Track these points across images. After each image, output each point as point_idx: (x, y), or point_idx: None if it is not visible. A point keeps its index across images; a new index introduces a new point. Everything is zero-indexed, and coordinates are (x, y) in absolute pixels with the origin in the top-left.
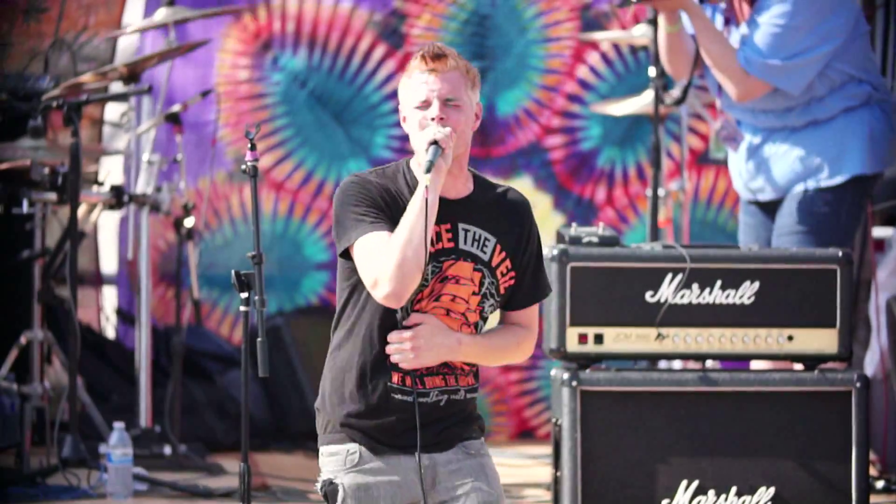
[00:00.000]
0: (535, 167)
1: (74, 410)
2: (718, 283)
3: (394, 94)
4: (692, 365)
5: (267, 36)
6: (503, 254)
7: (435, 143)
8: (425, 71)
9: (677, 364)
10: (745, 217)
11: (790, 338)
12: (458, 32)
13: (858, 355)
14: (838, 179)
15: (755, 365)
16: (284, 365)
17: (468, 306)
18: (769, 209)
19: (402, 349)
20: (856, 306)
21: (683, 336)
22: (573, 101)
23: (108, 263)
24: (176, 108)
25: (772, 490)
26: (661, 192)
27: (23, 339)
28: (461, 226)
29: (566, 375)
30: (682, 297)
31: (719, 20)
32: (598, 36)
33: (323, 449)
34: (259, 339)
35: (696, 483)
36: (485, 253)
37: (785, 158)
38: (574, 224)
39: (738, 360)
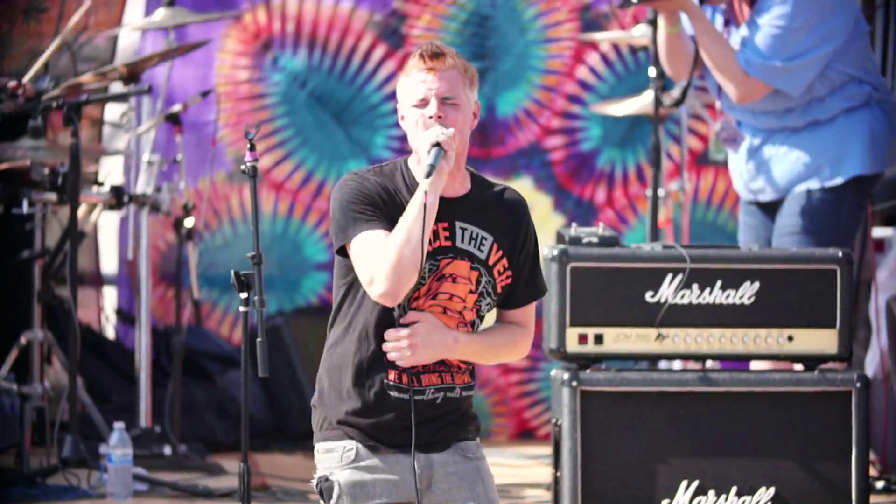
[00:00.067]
0: (535, 168)
1: (74, 410)
2: (718, 283)
3: (394, 95)
4: (692, 365)
5: (267, 36)
6: (500, 253)
7: (437, 145)
8: (423, 69)
9: (677, 364)
10: (746, 217)
11: (790, 338)
12: (458, 33)
13: (858, 355)
14: (839, 180)
15: (755, 365)
16: (284, 365)
17: (465, 305)
18: (769, 209)
19: (399, 347)
20: (856, 306)
21: (683, 336)
22: (573, 101)
23: (108, 263)
24: (176, 108)
25: (772, 490)
26: (660, 192)
27: (23, 339)
28: (459, 224)
29: (566, 376)
30: (682, 297)
31: (719, 21)
32: (597, 36)
33: (319, 446)
34: (259, 339)
35: (696, 483)
36: (482, 252)
37: (785, 159)
38: (574, 224)
39: (738, 361)
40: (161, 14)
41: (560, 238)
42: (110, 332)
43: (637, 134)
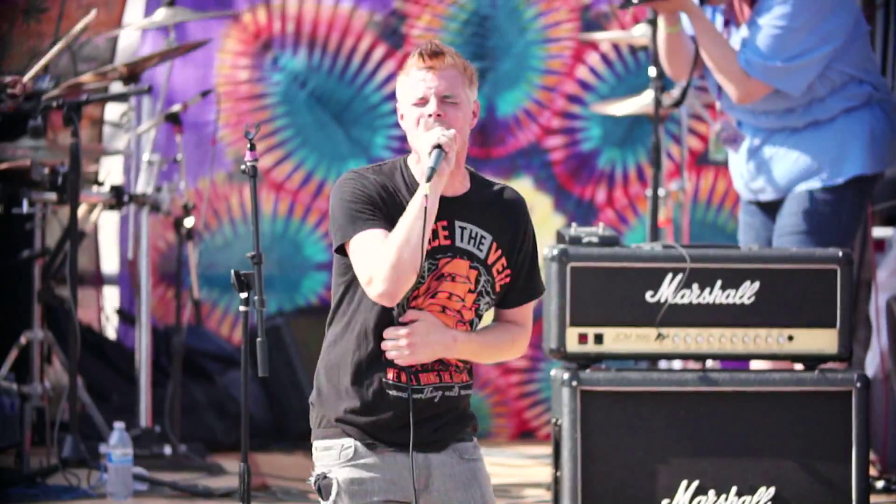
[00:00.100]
0: (536, 168)
1: (74, 410)
2: (718, 283)
3: (394, 95)
4: (692, 365)
5: (267, 36)
6: (499, 252)
7: (438, 147)
8: (423, 68)
9: (677, 364)
10: (746, 217)
11: (790, 338)
12: (458, 33)
13: (858, 355)
14: (839, 180)
15: (755, 365)
16: (284, 365)
17: (464, 304)
18: (770, 209)
19: (397, 346)
20: (856, 306)
21: (683, 336)
22: (573, 101)
23: (109, 263)
24: (176, 108)
25: (772, 490)
26: (660, 192)
27: (23, 339)
28: (458, 223)
29: (566, 375)
30: (682, 297)
31: (719, 20)
32: (597, 36)
33: (317, 443)
34: (259, 339)
35: (696, 483)
36: (481, 251)
37: (786, 159)
38: (574, 224)
39: (738, 360)
40: (161, 14)
41: (560, 238)
42: (110, 332)
43: (637, 134)
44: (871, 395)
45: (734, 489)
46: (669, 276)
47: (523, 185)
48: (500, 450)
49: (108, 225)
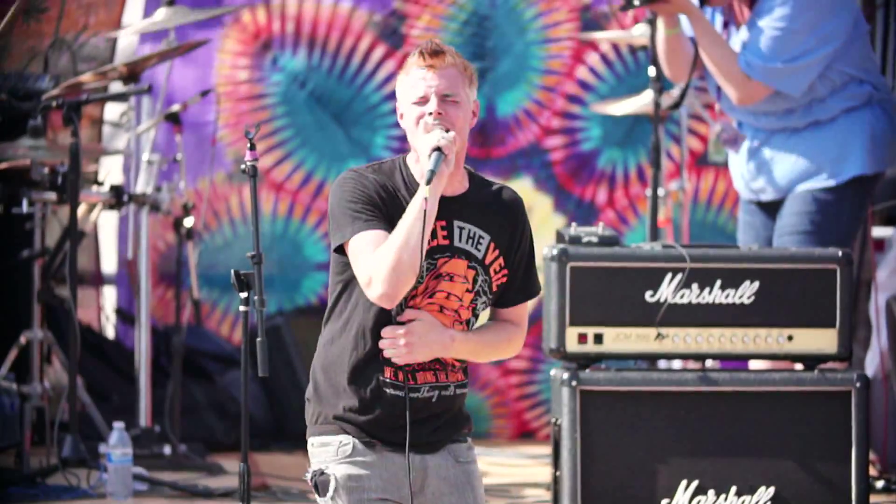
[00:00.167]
0: (536, 168)
1: (74, 410)
2: (718, 282)
3: (393, 95)
4: (692, 365)
5: (267, 36)
6: (497, 251)
7: (438, 149)
8: (423, 67)
9: (677, 364)
10: (746, 216)
11: (790, 338)
12: (457, 33)
13: (858, 355)
14: (840, 180)
15: (755, 365)
16: (284, 365)
17: (462, 303)
18: (770, 209)
19: (395, 345)
20: (856, 306)
21: (683, 336)
22: (573, 101)
23: (108, 263)
24: (176, 108)
25: (772, 490)
26: (660, 192)
27: (23, 339)
28: (456, 223)
29: (566, 375)
30: (682, 296)
31: (719, 21)
32: (597, 36)
33: (314, 440)
34: (259, 339)
35: (696, 483)
36: (479, 251)
37: (786, 159)
38: (574, 224)
39: (737, 360)
40: (162, 14)
41: (560, 238)
42: (110, 332)
43: (637, 134)
44: (870, 395)
45: (734, 489)
46: (669, 275)
47: (523, 186)
48: (500, 450)
49: (107, 225)
